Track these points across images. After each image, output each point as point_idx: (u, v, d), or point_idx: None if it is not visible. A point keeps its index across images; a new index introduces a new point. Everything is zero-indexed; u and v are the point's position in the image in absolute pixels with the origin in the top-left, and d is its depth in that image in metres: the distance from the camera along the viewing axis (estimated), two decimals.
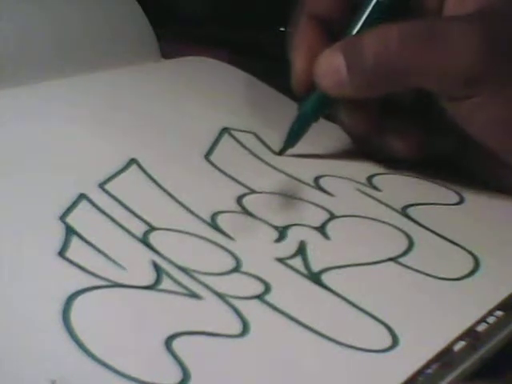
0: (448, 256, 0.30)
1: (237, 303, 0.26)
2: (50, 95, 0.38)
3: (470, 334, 0.25)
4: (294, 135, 0.36)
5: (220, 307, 0.26)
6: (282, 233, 0.30)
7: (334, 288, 0.27)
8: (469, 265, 0.29)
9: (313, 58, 0.34)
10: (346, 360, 0.24)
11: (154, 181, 0.33)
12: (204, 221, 0.31)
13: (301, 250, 0.29)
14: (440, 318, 0.26)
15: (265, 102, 0.42)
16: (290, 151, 0.36)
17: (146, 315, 0.25)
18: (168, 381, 0.23)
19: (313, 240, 0.30)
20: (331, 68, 0.33)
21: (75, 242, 0.28)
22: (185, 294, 0.26)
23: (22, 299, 0.25)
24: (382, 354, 0.24)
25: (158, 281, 0.27)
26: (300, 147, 0.36)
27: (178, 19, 0.53)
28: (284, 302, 0.26)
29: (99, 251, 0.28)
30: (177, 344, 0.24)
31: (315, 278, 0.28)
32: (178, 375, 0.23)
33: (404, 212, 0.33)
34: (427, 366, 0.24)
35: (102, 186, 0.32)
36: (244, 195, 0.33)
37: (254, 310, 0.26)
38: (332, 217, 0.32)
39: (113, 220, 0.30)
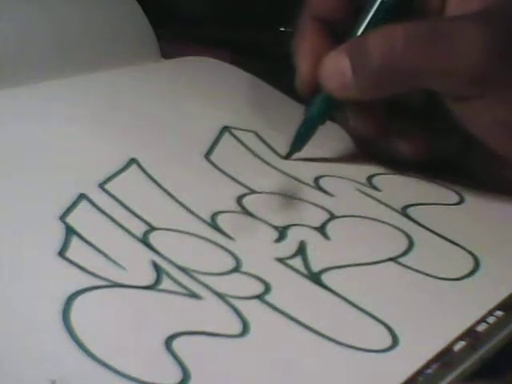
0: (448, 256, 0.30)
1: (237, 303, 0.26)
2: (50, 95, 0.38)
3: (469, 334, 0.25)
4: (301, 139, 0.36)
5: (220, 307, 0.26)
6: (282, 233, 0.30)
7: (333, 288, 0.27)
8: (469, 265, 0.29)
9: (317, 60, 0.34)
10: (345, 360, 0.24)
11: (154, 181, 0.33)
12: (204, 221, 0.31)
13: (301, 250, 0.29)
14: (440, 318, 0.26)
15: (265, 101, 0.42)
16: (297, 155, 0.36)
17: (145, 315, 0.25)
18: (168, 381, 0.22)
19: (313, 240, 0.30)
20: (336, 70, 0.33)
21: (75, 241, 0.28)
22: (185, 294, 0.26)
23: (22, 299, 0.25)
24: (382, 354, 0.24)
25: (157, 281, 0.27)
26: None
27: (178, 19, 0.53)
28: (284, 302, 0.26)
29: (99, 251, 0.28)
30: (177, 344, 0.24)
31: (315, 277, 0.28)
32: (177, 375, 0.23)
33: (404, 212, 0.33)
34: (427, 366, 0.24)
35: (102, 185, 0.32)
36: (244, 195, 0.33)
37: (254, 310, 0.26)
38: (332, 217, 0.32)
39: (113, 220, 0.30)
